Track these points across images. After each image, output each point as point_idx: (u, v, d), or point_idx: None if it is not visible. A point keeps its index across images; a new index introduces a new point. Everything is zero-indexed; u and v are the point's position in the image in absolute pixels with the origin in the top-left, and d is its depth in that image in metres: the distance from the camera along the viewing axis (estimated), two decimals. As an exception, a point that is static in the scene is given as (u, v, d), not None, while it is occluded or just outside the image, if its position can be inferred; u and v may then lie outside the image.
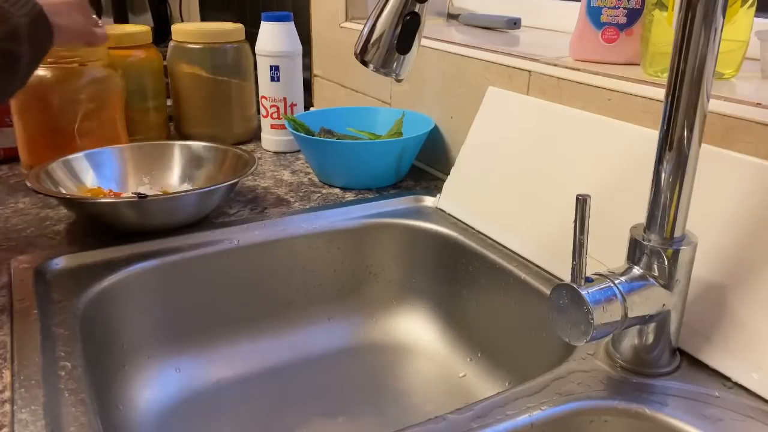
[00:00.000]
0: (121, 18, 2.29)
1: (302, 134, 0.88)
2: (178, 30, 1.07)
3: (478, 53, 0.81)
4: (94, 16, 0.78)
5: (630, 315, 0.45)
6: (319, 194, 0.86)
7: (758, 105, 0.52)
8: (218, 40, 1.05)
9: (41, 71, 0.85)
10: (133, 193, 0.75)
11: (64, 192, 0.76)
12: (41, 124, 0.88)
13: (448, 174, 0.81)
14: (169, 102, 1.11)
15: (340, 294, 0.80)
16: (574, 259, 0.44)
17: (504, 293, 0.67)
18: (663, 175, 0.45)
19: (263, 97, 1.01)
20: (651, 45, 0.63)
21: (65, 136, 0.88)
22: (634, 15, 0.68)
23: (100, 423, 0.47)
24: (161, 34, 1.20)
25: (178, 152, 0.87)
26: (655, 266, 0.46)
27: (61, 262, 0.66)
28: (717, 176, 0.52)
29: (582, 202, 0.43)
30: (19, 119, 0.88)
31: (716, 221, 0.51)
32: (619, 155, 0.61)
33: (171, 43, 1.08)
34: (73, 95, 0.87)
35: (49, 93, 0.86)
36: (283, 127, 1.01)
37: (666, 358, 0.49)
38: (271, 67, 0.99)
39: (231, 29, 1.07)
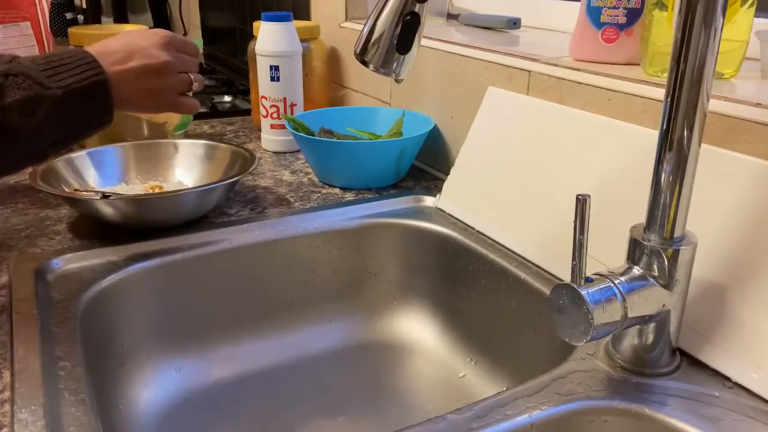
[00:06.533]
0: (121, 18, 2.29)
1: (302, 134, 0.88)
2: (76, 34, 1.04)
3: (477, 53, 0.81)
4: (193, 75, 0.67)
5: (630, 315, 0.45)
6: (319, 194, 0.86)
7: (758, 105, 0.52)
8: None
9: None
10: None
11: (67, 190, 0.76)
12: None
13: (448, 174, 0.81)
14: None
15: (340, 294, 0.79)
16: (574, 259, 0.44)
17: (504, 293, 0.67)
18: (663, 175, 0.45)
19: (263, 97, 1.01)
20: (651, 45, 0.63)
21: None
22: (634, 15, 0.68)
23: (100, 423, 0.47)
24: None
25: (179, 151, 0.87)
26: (655, 266, 0.46)
27: (61, 262, 0.66)
28: (717, 176, 0.52)
29: (582, 202, 0.43)
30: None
31: (716, 221, 0.51)
32: (619, 155, 0.61)
33: None
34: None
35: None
36: (283, 127, 1.01)
37: (666, 358, 0.49)
38: (270, 67, 0.99)
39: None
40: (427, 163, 0.95)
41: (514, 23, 0.96)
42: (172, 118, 1.03)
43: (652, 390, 0.47)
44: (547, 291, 0.61)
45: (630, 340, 0.49)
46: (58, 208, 0.80)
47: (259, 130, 1.07)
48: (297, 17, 1.09)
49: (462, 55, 0.84)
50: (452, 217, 0.77)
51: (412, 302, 0.80)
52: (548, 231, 0.65)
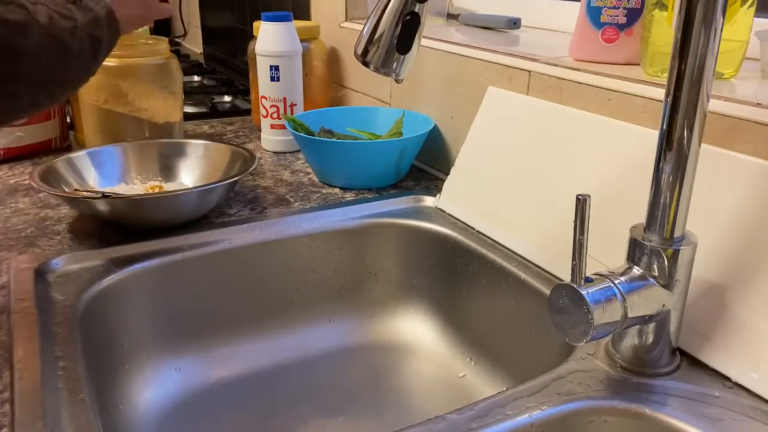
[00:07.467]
0: (121, 18, 2.29)
1: (302, 134, 0.88)
2: None
3: (477, 53, 0.81)
4: None
5: (630, 315, 0.45)
6: (319, 194, 0.86)
7: (758, 105, 0.52)
8: None
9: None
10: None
11: (67, 190, 0.76)
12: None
13: (448, 174, 0.81)
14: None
15: (340, 294, 0.79)
16: (574, 259, 0.44)
17: (504, 293, 0.67)
18: (663, 175, 0.45)
19: (263, 97, 1.01)
20: (651, 45, 0.63)
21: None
22: (634, 15, 0.68)
23: (100, 423, 0.47)
24: (161, 34, 1.20)
25: (179, 150, 0.87)
26: (655, 266, 0.46)
27: (61, 262, 0.66)
28: (717, 176, 0.52)
29: (582, 202, 0.43)
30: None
31: (716, 221, 0.51)
32: (619, 155, 0.61)
33: None
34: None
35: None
36: (283, 127, 1.01)
37: (666, 358, 0.49)
38: (270, 67, 0.99)
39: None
40: (427, 163, 0.95)
41: (514, 23, 0.96)
42: (173, 116, 1.03)
43: (652, 390, 0.47)
44: (547, 291, 0.61)
45: (630, 340, 0.49)
46: (58, 208, 0.80)
47: (259, 130, 1.07)
48: (297, 17, 1.09)
49: (462, 55, 0.84)
50: (452, 217, 0.77)
51: (412, 302, 0.80)
52: (548, 231, 0.65)
